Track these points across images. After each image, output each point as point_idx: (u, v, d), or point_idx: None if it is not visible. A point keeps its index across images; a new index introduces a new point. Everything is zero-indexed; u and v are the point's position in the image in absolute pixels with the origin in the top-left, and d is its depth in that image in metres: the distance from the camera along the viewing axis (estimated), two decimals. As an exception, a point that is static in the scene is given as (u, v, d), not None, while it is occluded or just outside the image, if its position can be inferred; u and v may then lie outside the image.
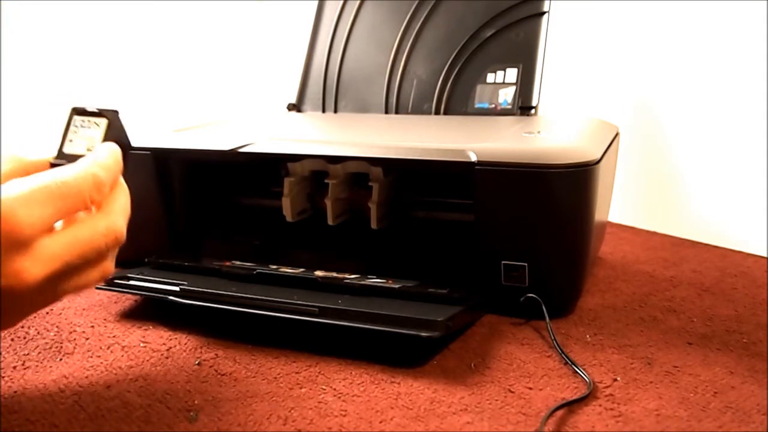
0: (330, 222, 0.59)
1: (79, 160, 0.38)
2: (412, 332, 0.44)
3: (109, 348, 0.48)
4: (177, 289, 0.51)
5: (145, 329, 0.51)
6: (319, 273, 0.53)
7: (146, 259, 0.57)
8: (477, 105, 0.72)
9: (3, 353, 0.47)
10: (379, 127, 0.68)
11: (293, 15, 1.00)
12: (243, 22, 1.13)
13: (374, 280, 0.52)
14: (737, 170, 0.71)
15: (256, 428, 0.38)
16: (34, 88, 0.94)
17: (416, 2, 0.76)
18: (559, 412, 0.39)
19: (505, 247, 0.50)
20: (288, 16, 1.08)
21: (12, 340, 0.49)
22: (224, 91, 1.10)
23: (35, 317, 0.53)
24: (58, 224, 0.36)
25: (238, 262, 0.56)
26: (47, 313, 0.54)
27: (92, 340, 0.49)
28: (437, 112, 0.73)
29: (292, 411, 0.40)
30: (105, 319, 0.53)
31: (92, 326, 0.52)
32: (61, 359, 0.46)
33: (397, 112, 0.75)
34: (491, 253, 0.51)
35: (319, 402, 0.41)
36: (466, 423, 0.39)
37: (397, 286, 0.50)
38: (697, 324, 0.52)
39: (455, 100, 0.73)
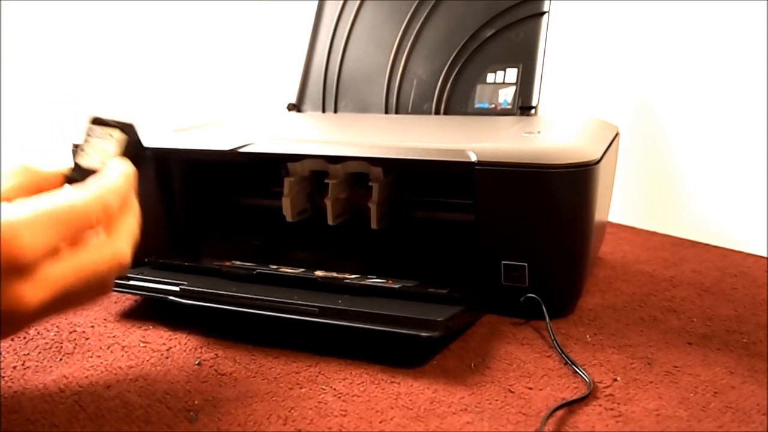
0: (330, 222, 0.59)
1: (89, 181, 0.37)
2: (412, 332, 0.44)
3: (109, 348, 0.48)
4: (177, 289, 0.51)
5: (145, 329, 0.51)
6: (319, 273, 0.53)
7: (146, 259, 0.57)
8: (477, 105, 0.72)
9: (3, 353, 0.47)
10: (379, 127, 0.68)
11: (293, 15, 1.00)
12: (243, 22, 1.13)
13: (374, 280, 0.52)
14: (737, 170, 0.71)
15: (256, 428, 0.38)
16: (34, 88, 0.94)
17: (416, 2, 0.76)
18: (559, 412, 0.39)
19: (505, 247, 0.50)
20: (288, 16, 1.08)
21: (12, 340, 0.49)
22: (224, 91, 1.10)
23: (35, 317, 0.53)
24: None
25: (238, 262, 0.56)
26: (47, 313, 0.54)
27: (92, 340, 0.49)
28: (437, 112, 0.73)
29: (292, 411, 0.40)
30: (105, 319, 0.53)
31: (92, 326, 0.52)
32: (61, 359, 0.46)
33: (397, 112, 0.75)
34: (491, 253, 0.51)
35: (319, 402, 0.41)
36: (466, 423, 0.39)
37: (397, 286, 0.50)
38: (697, 324, 0.52)
39: (455, 100, 0.73)
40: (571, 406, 0.40)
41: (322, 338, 0.48)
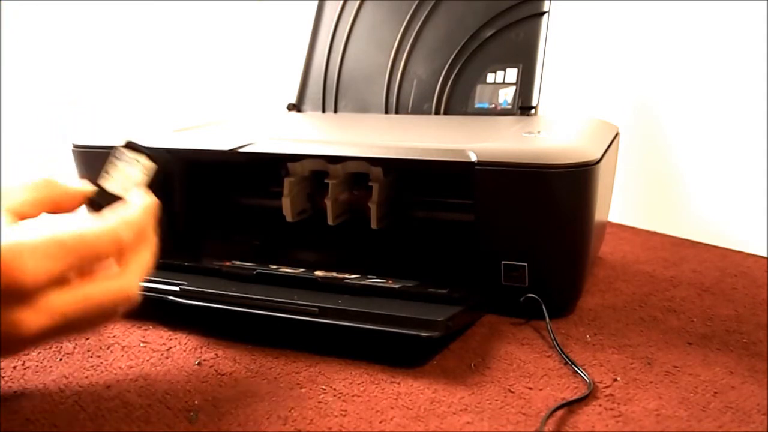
0: (330, 222, 0.59)
1: (106, 213, 0.37)
2: (412, 332, 0.44)
3: (109, 348, 0.48)
4: (177, 289, 0.51)
5: (145, 329, 0.51)
6: (319, 273, 0.53)
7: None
8: (477, 105, 0.72)
9: (3, 353, 0.47)
10: (379, 127, 0.68)
11: (293, 15, 1.00)
12: (243, 22, 1.13)
13: (374, 280, 0.52)
14: (737, 170, 0.71)
15: (256, 428, 0.38)
16: (34, 88, 0.94)
17: (416, 2, 0.76)
18: (559, 412, 0.39)
19: (505, 247, 0.50)
20: (288, 16, 1.08)
21: (12, 340, 0.49)
22: (224, 91, 1.10)
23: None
24: None
25: (238, 262, 0.56)
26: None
27: (92, 340, 0.49)
28: (437, 112, 0.73)
29: (292, 411, 0.40)
30: (105, 319, 0.53)
31: (92, 326, 0.52)
32: (61, 359, 0.46)
33: (397, 112, 0.75)
34: (491, 253, 0.51)
35: (319, 402, 0.41)
36: (466, 423, 0.39)
37: (397, 286, 0.50)
38: (697, 324, 0.52)
39: (455, 100, 0.73)
40: (571, 406, 0.40)
41: (322, 338, 0.48)
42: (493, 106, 0.71)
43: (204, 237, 0.63)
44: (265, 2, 1.13)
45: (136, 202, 0.38)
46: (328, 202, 0.59)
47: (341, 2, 0.80)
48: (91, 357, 0.47)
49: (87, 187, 0.40)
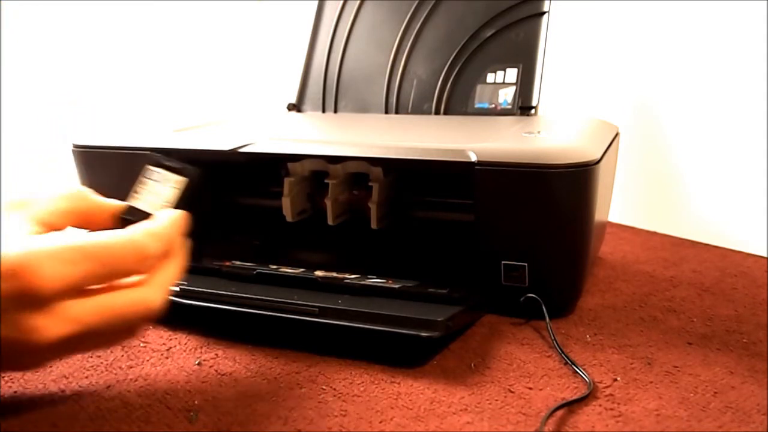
0: (330, 222, 0.59)
1: (131, 226, 0.36)
2: (412, 332, 0.44)
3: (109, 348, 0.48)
4: (177, 289, 0.51)
5: (145, 329, 0.51)
6: (319, 273, 0.53)
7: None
8: (477, 105, 0.72)
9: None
10: (379, 127, 0.68)
11: (293, 15, 1.00)
12: (243, 22, 1.13)
13: (374, 280, 0.52)
14: (737, 170, 0.71)
15: (256, 428, 0.38)
16: (34, 88, 0.94)
17: (416, 2, 0.76)
18: (559, 412, 0.39)
19: (505, 247, 0.50)
20: (288, 16, 1.08)
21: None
22: (224, 91, 1.10)
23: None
24: None
25: (238, 262, 0.56)
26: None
27: (92, 340, 0.49)
28: (437, 112, 0.73)
29: (292, 411, 0.40)
30: (105, 319, 0.53)
31: (92, 326, 0.52)
32: (61, 359, 0.46)
33: (397, 112, 0.75)
34: (491, 253, 0.51)
35: (319, 402, 0.41)
36: (466, 423, 0.39)
37: (397, 286, 0.50)
38: (697, 324, 0.52)
39: (455, 100, 0.73)
40: (571, 406, 0.40)
41: (322, 338, 0.48)
42: (493, 106, 0.71)
43: (204, 237, 0.62)
44: (265, 2, 1.13)
45: (164, 216, 0.38)
46: (328, 202, 0.59)
47: (341, 2, 0.80)
48: (91, 357, 0.47)
49: (118, 203, 0.39)
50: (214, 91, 1.09)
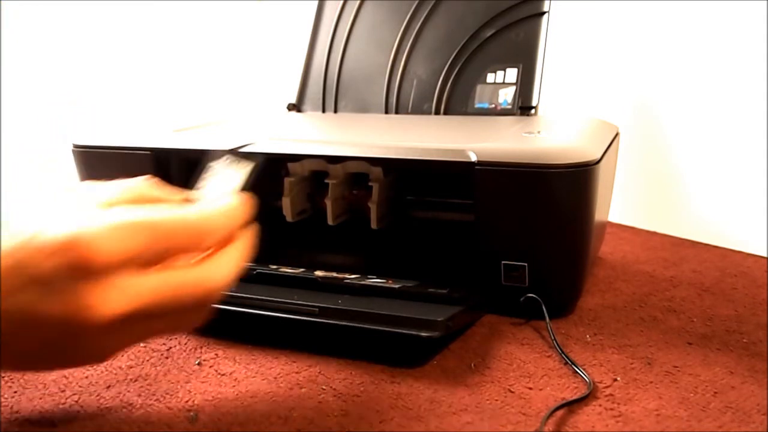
0: (330, 222, 0.59)
1: (195, 204, 0.35)
2: (412, 332, 0.44)
3: (109, 348, 0.48)
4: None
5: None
6: (319, 273, 0.53)
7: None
8: (477, 105, 0.72)
9: (3, 353, 0.47)
10: (379, 127, 0.68)
11: (293, 15, 1.00)
12: (243, 22, 1.13)
13: (374, 280, 0.52)
14: (737, 170, 0.71)
15: (256, 428, 0.38)
16: (34, 88, 0.94)
17: (416, 2, 0.76)
18: (559, 412, 0.39)
19: (505, 247, 0.50)
20: (288, 16, 1.08)
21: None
22: (224, 91, 1.10)
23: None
24: None
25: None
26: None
27: (92, 340, 0.49)
28: (437, 112, 0.73)
29: (292, 411, 0.40)
30: (105, 319, 0.53)
31: (92, 326, 0.52)
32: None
33: (397, 112, 0.75)
34: (491, 253, 0.51)
35: (319, 402, 0.41)
36: (466, 423, 0.38)
37: (397, 286, 0.50)
38: (697, 324, 0.52)
39: (455, 100, 0.73)
40: (571, 406, 0.40)
41: (322, 338, 0.48)
42: (493, 106, 0.71)
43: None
44: (265, 2, 1.13)
45: (227, 197, 0.37)
46: (328, 202, 0.59)
47: (341, 2, 0.80)
48: (91, 357, 0.47)
49: (186, 192, 0.38)
50: (214, 91, 1.09)
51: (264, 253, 0.59)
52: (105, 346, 0.33)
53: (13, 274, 0.30)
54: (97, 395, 0.42)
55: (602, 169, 0.51)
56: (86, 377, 0.44)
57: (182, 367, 0.45)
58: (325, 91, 0.79)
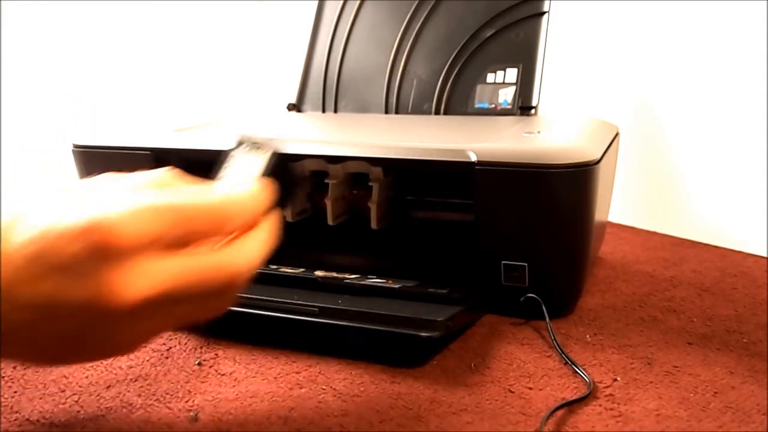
0: (330, 222, 0.59)
1: (217, 188, 0.35)
2: (412, 332, 0.44)
3: (109, 348, 0.48)
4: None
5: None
6: (319, 273, 0.53)
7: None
8: (477, 105, 0.72)
9: (3, 353, 0.47)
10: (379, 127, 0.68)
11: (293, 15, 1.00)
12: (243, 22, 1.13)
13: (374, 280, 0.52)
14: (737, 170, 0.71)
15: (256, 428, 0.38)
16: (34, 88, 0.94)
17: (416, 2, 0.76)
18: (559, 412, 0.39)
19: (505, 247, 0.50)
20: (288, 16, 1.08)
21: (12, 340, 0.49)
22: (224, 91, 1.10)
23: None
24: None
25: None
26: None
27: (92, 340, 0.49)
28: (437, 112, 0.73)
29: (292, 411, 0.40)
30: (105, 319, 0.53)
31: (92, 326, 0.52)
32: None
33: (397, 112, 0.75)
34: (491, 253, 0.51)
35: (319, 402, 0.41)
36: (466, 423, 0.38)
37: (397, 286, 0.50)
38: (697, 324, 0.52)
39: (455, 100, 0.73)
40: (571, 406, 0.40)
41: (322, 338, 0.48)
42: (493, 106, 0.71)
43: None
44: (265, 2, 1.13)
45: (249, 183, 0.36)
46: (328, 202, 0.59)
47: (341, 2, 0.80)
48: (91, 357, 0.47)
49: (208, 182, 0.38)
50: (214, 91, 1.09)
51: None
52: (128, 334, 0.32)
53: (35, 263, 0.30)
54: (97, 395, 0.42)
55: (602, 169, 0.51)
56: (86, 377, 0.44)
57: (182, 367, 0.45)
58: (325, 91, 0.79)
